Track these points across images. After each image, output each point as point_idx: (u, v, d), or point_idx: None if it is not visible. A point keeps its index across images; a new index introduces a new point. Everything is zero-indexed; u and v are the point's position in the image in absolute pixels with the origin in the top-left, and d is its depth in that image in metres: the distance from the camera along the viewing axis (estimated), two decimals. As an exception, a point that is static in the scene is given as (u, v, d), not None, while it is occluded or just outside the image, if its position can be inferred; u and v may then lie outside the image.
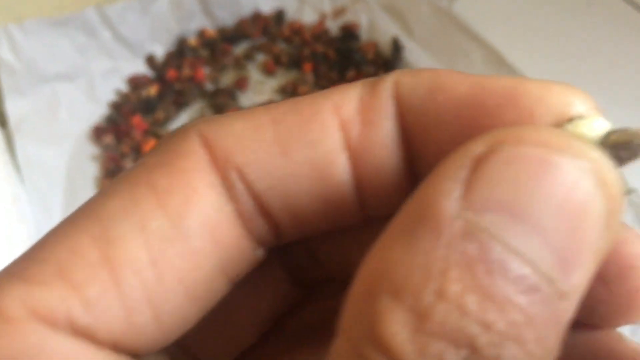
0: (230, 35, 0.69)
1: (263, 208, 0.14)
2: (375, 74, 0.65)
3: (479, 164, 0.11)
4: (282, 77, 0.67)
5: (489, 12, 0.66)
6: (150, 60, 0.66)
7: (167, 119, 0.63)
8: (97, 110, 0.63)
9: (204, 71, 0.67)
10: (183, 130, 0.14)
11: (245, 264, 0.14)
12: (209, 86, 0.66)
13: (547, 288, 0.10)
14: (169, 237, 0.12)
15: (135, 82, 0.65)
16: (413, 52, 0.66)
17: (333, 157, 0.13)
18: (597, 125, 0.12)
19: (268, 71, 0.67)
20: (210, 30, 0.69)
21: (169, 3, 0.66)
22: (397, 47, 0.66)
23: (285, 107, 0.14)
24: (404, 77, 0.14)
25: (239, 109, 0.63)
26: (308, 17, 0.71)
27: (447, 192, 0.11)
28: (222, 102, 0.64)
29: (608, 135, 0.12)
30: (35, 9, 0.63)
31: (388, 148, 0.13)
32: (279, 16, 0.71)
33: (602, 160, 0.11)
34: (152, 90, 0.64)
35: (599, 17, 0.64)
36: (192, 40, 0.68)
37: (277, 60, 0.68)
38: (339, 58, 0.67)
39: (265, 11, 0.71)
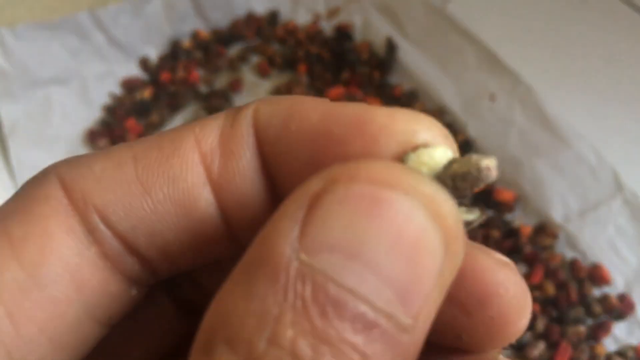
0: (224, 37, 0.69)
1: (130, 248, 0.13)
2: (369, 74, 0.65)
3: (314, 203, 0.11)
4: (276, 79, 0.67)
5: (483, 11, 0.66)
6: (144, 63, 0.66)
7: (162, 121, 0.63)
8: (91, 114, 0.62)
9: (198, 73, 0.66)
10: (42, 173, 0.13)
11: (118, 305, 0.14)
12: (203, 88, 0.66)
13: (386, 323, 0.10)
14: (24, 288, 0.12)
15: (129, 85, 0.65)
16: (407, 52, 0.65)
17: (196, 192, 0.13)
18: (439, 155, 0.13)
19: (262, 73, 0.67)
20: (204, 32, 0.69)
21: (161, 5, 0.66)
22: (391, 47, 0.66)
23: (147, 144, 0.13)
24: (264, 106, 0.14)
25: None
26: (302, 17, 0.71)
27: (285, 233, 0.11)
28: (216, 104, 0.64)
29: (450, 164, 0.13)
30: (28, 13, 0.62)
31: (249, 178, 0.14)
32: (273, 17, 0.70)
33: (434, 193, 0.11)
34: (146, 93, 0.64)
35: (593, 16, 0.64)
36: (186, 42, 0.68)
37: (271, 62, 0.68)
38: (333, 59, 0.67)
39: (259, 12, 0.71)
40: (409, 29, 0.67)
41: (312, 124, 0.13)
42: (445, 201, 0.11)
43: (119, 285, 0.14)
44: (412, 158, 0.13)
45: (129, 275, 0.14)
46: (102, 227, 0.13)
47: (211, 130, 0.14)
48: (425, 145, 0.13)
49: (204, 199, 0.13)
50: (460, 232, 0.11)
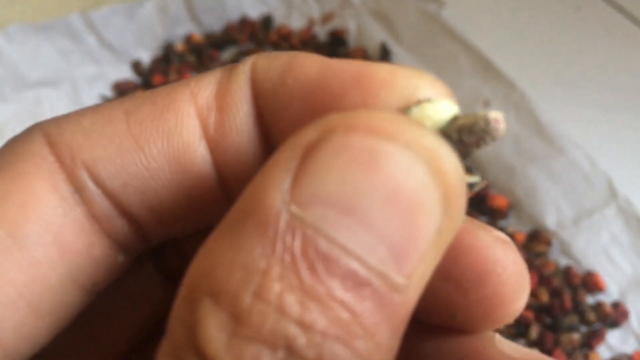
0: (218, 41, 0.69)
1: (121, 208, 0.13)
2: (363, 80, 0.65)
3: (308, 153, 0.10)
4: (269, 83, 0.67)
5: (477, 18, 0.66)
6: (136, 66, 0.66)
7: (153, 125, 0.63)
8: (81, 117, 0.62)
9: (191, 77, 0.66)
10: (28, 130, 0.13)
11: (105, 271, 0.13)
12: (195, 92, 0.65)
13: (378, 282, 0.10)
14: (3, 248, 0.12)
15: (121, 88, 0.64)
16: (401, 58, 0.65)
17: (191, 147, 0.13)
18: (443, 109, 0.12)
19: (255, 77, 0.67)
20: (197, 35, 0.68)
21: (155, 8, 0.66)
22: (385, 53, 0.65)
23: (139, 99, 0.13)
24: (261, 60, 0.13)
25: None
26: (296, 22, 0.70)
27: (276, 184, 0.10)
28: (209, 109, 0.63)
29: (454, 119, 0.12)
30: (18, 14, 0.62)
31: (246, 134, 0.13)
32: (267, 21, 0.70)
33: (438, 147, 0.10)
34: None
35: (587, 23, 0.64)
36: (179, 46, 0.67)
37: (264, 66, 0.67)
38: (327, 64, 0.66)
39: (253, 16, 0.70)
40: (403, 35, 0.67)
41: (309, 77, 0.12)
42: (448, 156, 0.11)
43: (105, 250, 0.13)
44: (415, 112, 0.12)
45: (117, 239, 0.13)
46: (90, 184, 0.12)
47: (207, 84, 0.13)
48: (428, 100, 0.12)
49: (200, 155, 0.13)
50: (462, 191, 0.11)
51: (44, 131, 0.12)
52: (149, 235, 0.14)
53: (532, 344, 0.48)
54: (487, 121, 0.11)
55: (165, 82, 0.64)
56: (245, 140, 0.13)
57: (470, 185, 0.12)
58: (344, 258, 0.10)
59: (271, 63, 0.13)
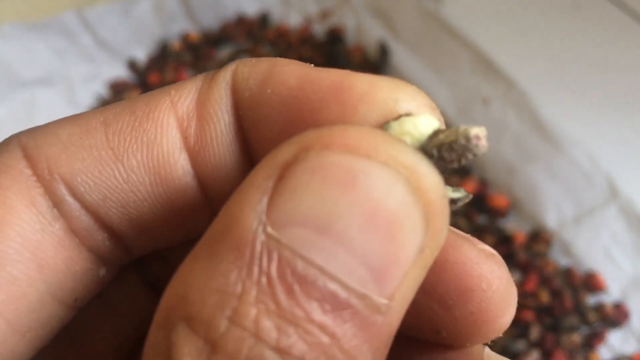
0: (214, 39, 0.68)
1: (101, 221, 0.12)
2: (362, 78, 0.64)
3: (284, 173, 0.10)
4: (267, 82, 0.66)
5: (476, 15, 0.65)
6: (132, 65, 0.65)
7: (150, 124, 0.62)
8: (77, 116, 0.61)
9: (187, 75, 0.65)
10: (3, 143, 0.12)
11: (86, 285, 0.13)
12: (192, 91, 0.65)
13: (359, 304, 0.10)
14: None
15: (117, 87, 0.63)
16: (400, 56, 0.65)
17: (172, 158, 0.12)
18: (423, 123, 0.12)
19: (253, 75, 0.66)
20: (194, 33, 0.68)
21: (150, 6, 0.65)
22: (384, 51, 0.65)
23: (118, 108, 0.12)
24: (242, 67, 0.13)
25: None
26: (293, 19, 0.70)
27: (252, 205, 0.10)
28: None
29: (434, 134, 0.11)
30: (13, 12, 0.61)
31: (227, 144, 0.13)
32: (264, 19, 0.69)
33: (417, 164, 0.10)
34: (134, 95, 0.63)
35: (586, 20, 0.64)
36: (175, 44, 0.67)
37: (262, 64, 0.67)
38: (325, 62, 0.66)
39: (250, 14, 0.70)
40: (402, 33, 0.66)
41: (289, 87, 0.12)
42: (428, 173, 0.10)
43: (86, 264, 0.13)
44: (394, 127, 0.11)
45: (98, 253, 0.13)
46: (69, 198, 0.12)
47: (188, 93, 0.13)
48: (408, 115, 0.12)
49: (181, 166, 0.12)
50: (444, 208, 0.10)
51: (21, 144, 0.12)
52: (132, 248, 0.13)
53: (532, 345, 0.48)
54: (468, 138, 0.11)
55: (162, 81, 0.64)
56: (226, 150, 0.13)
57: (454, 201, 0.12)
58: (322, 280, 0.10)
59: (251, 71, 0.12)
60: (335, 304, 0.10)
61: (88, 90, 0.62)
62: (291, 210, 0.10)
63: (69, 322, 0.13)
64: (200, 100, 0.13)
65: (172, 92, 0.13)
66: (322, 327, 0.10)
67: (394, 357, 0.12)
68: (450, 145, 0.11)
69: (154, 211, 0.13)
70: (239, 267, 0.10)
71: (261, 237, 0.10)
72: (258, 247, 0.10)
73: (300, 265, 0.10)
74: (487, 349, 0.14)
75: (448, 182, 0.11)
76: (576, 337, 0.48)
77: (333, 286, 0.10)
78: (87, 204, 0.12)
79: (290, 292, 0.09)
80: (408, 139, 0.11)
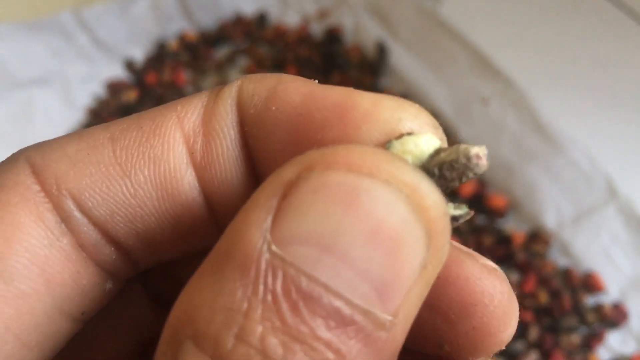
0: (212, 39, 0.68)
1: (108, 236, 0.12)
2: (360, 77, 0.64)
3: (288, 192, 0.10)
4: (265, 81, 0.66)
5: (474, 14, 0.65)
6: (130, 65, 0.65)
7: (147, 124, 0.62)
8: (73, 116, 0.61)
9: (185, 75, 0.65)
10: (11, 158, 0.12)
11: (93, 299, 0.13)
12: (190, 90, 0.65)
13: (363, 320, 0.10)
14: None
15: (114, 87, 0.63)
16: (398, 56, 0.64)
17: (178, 173, 0.12)
18: (425, 142, 0.12)
19: (251, 75, 0.66)
20: (191, 33, 0.68)
21: (148, 6, 0.65)
22: (382, 50, 0.65)
23: (125, 124, 0.12)
24: (248, 83, 0.13)
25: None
26: (291, 19, 0.70)
27: (256, 223, 0.10)
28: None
29: (436, 153, 0.12)
30: (9, 12, 0.61)
31: (233, 160, 0.13)
32: (262, 19, 0.69)
33: (418, 182, 0.10)
34: (132, 95, 0.62)
35: (585, 20, 0.64)
36: (173, 44, 0.66)
37: (260, 64, 0.66)
38: (323, 62, 0.66)
39: (248, 13, 0.69)
40: (400, 32, 0.66)
41: (293, 106, 0.12)
42: (430, 192, 0.10)
43: (93, 279, 0.13)
44: (396, 146, 0.12)
45: (105, 267, 0.13)
46: (77, 214, 0.12)
47: (194, 109, 0.13)
48: (410, 133, 0.12)
49: (187, 181, 0.13)
50: (445, 226, 0.11)
51: (29, 160, 0.12)
52: (138, 262, 0.13)
53: (531, 345, 0.48)
54: (468, 157, 0.11)
55: (159, 80, 0.64)
56: (232, 166, 0.13)
57: (456, 218, 0.12)
58: (326, 297, 0.10)
59: (256, 87, 0.13)
60: (340, 321, 0.10)
61: (85, 90, 0.62)
62: (295, 228, 0.10)
63: (74, 335, 0.13)
64: (206, 116, 0.13)
65: (179, 107, 0.13)
66: (328, 344, 0.10)
67: None
68: (451, 164, 0.11)
69: (161, 226, 0.13)
70: (244, 285, 0.10)
71: (266, 256, 0.10)
72: (263, 265, 0.10)
73: (304, 283, 0.10)
74: None
75: (450, 200, 0.12)
76: (575, 338, 0.48)
77: (337, 303, 0.10)
78: (95, 219, 0.12)
79: (295, 309, 0.10)
80: (410, 158, 0.12)
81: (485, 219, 0.55)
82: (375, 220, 0.10)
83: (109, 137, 0.12)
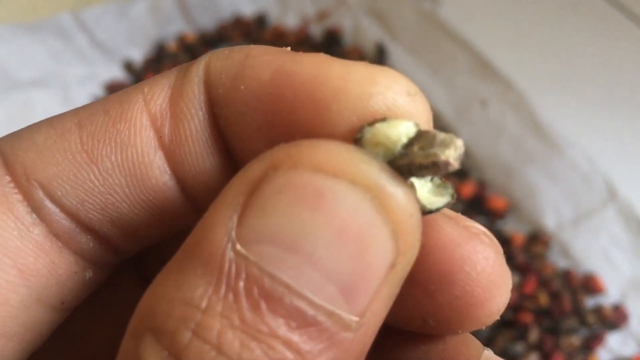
0: (211, 40, 0.68)
1: (82, 224, 0.12)
2: (359, 79, 0.64)
3: (253, 191, 0.10)
4: (264, 83, 0.66)
5: (474, 16, 0.65)
6: (128, 66, 0.65)
7: (146, 126, 0.62)
8: (72, 118, 0.61)
9: (184, 77, 0.65)
10: None
11: (73, 288, 0.13)
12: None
13: (327, 321, 0.10)
14: None
15: (113, 88, 0.63)
16: (398, 57, 0.64)
17: (147, 158, 0.12)
18: (397, 133, 0.11)
19: (250, 76, 0.66)
20: (190, 34, 0.67)
21: (147, 7, 0.65)
22: (381, 52, 0.65)
23: (93, 108, 0.12)
24: (214, 60, 0.12)
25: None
26: (290, 20, 0.70)
27: (222, 222, 0.10)
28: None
29: (410, 143, 0.11)
30: (8, 14, 0.60)
31: (202, 141, 0.12)
32: (261, 20, 0.69)
33: (385, 185, 0.10)
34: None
35: (586, 22, 0.64)
36: (172, 45, 0.66)
37: (259, 66, 0.66)
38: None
39: (247, 15, 0.69)
40: (399, 34, 0.66)
41: (262, 84, 0.12)
42: (396, 193, 0.10)
43: (70, 267, 0.13)
44: (367, 136, 0.11)
45: (83, 256, 0.13)
46: (48, 203, 0.12)
47: (161, 90, 0.12)
48: (382, 120, 0.11)
49: (157, 166, 0.12)
50: (414, 225, 0.10)
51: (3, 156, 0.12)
52: (119, 249, 0.13)
53: (531, 347, 0.48)
54: (436, 163, 0.11)
55: (158, 82, 0.64)
56: (202, 148, 0.12)
57: (434, 210, 0.11)
58: (288, 297, 0.10)
59: (224, 65, 0.12)
60: (302, 321, 0.10)
61: (84, 91, 0.62)
62: (260, 228, 0.10)
63: (63, 325, 0.13)
64: (174, 97, 0.12)
65: (146, 89, 0.12)
66: (287, 343, 0.10)
67: (387, 351, 0.12)
68: (420, 166, 0.11)
69: (134, 212, 0.12)
70: (206, 282, 0.10)
71: (230, 254, 0.10)
72: (226, 264, 0.10)
73: (267, 282, 0.10)
74: (486, 351, 0.14)
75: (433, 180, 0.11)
76: (575, 340, 0.48)
77: (300, 303, 0.10)
78: (66, 208, 0.12)
79: (256, 308, 0.10)
80: (381, 151, 0.11)
81: (485, 220, 0.55)
82: (340, 222, 0.10)
83: (77, 123, 0.12)
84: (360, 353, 0.10)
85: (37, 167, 0.12)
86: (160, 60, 0.65)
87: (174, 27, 0.67)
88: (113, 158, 0.12)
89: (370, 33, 0.67)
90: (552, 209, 0.54)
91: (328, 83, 0.11)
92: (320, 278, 0.10)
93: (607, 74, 0.60)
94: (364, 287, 0.10)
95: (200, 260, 0.10)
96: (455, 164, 0.11)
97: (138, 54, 0.65)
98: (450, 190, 0.11)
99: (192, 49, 0.66)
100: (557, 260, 0.52)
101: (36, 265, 0.12)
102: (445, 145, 0.11)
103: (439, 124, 0.60)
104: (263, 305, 0.10)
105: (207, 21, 0.68)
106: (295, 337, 0.10)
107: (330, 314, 0.10)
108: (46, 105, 0.60)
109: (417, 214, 0.11)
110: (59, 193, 0.12)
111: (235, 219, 0.10)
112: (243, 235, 0.10)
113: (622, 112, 0.58)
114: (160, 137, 0.12)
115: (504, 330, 0.48)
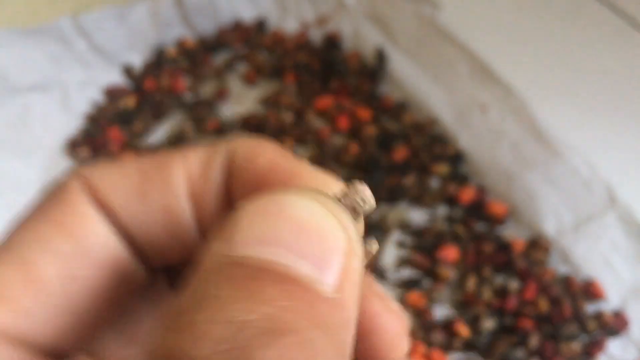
0: (210, 45, 0.68)
1: (133, 241, 0.16)
2: (358, 84, 0.64)
3: (238, 214, 0.13)
4: (263, 88, 0.66)
5: (474, 21, 0.65)
6: (128, 71, 0.64)
7: (146, 130, 0.61)
8: (71, 122, 0.61)
9: (184, 82, 0.65)
10: (71, 176, 0.16)
11: (127, 287, 0.16)
12: (188, 97, 0.64)
13: (308, 284, 0.12)
14: (70, 254, 0.15)
15: (113, 93, 0.63)
16: (398, 62, 0.64)
17: (180, 204, 0.16)
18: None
19: (249, 81, 0.66)
20: (190, 39, 0.67)
21: (146, 12, 0.65)
22: (381, 57, 0.65)
23: (149, 159, 0.16)
24: (238, 143, 0.16)
25: (220, 120, 0.62)
26: (290, 25, 0.70)
27: (217, 241, 0.13)
28: (202, 114, 0.62)
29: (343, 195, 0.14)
30: (7, 18, 0.60)
31: (217, 196, 0.16)
32: (261, 25, 0.69)
33: (334, 202, 0.13)
34: (130, 102, 0.62)
35: (585, 27, 0.64)
36: (171, 50, 0.66)
37: (258, 71, 0.66)
38: (321, 68, 0.65)
39: (246, 19, 0.69)
40: (399, 39, 0.66)
41: (261, 169, 0.16)
42: (340, 209, 0.13)
43: (128, 269, 0.16)
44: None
45: (135, 262, 0.16)
46: (114, 221, 0.16)
47: (197, 155, 0.16)
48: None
49: (186, 211, 0.16)
50: (355, 231, 0.13)
51: (84, 176, 0.16)
52: (153, 262, 0.17)
53: (532, 354, 0.48)
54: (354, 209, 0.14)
55: (157, 87, 0.63)
56: (216, 200, 0.16)
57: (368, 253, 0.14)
58: (274, 266, 0.12)
59: (241, 148, 0.16)
60: (287, 283, 0.12)
61: (83, 96, 0.62)
62: (244, 239, 0.12)
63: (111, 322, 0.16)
64: (204, 164, 0.16)
65: (186, 151, 0.16)
66: (273, 301, 0.12)
67: None
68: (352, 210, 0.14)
69: (167, 241, 0.16)
70: (195, 282, 0.12)
71: (222, 259, 0.12)
72: (224, 263, 0.12)
73: (252, 262, 0.12)
74: None
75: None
76: (575, 346, 0.48)
77: (283, 269, 0.12)
78: (124, 227, 0.16)
79: (243, 287, 0.12)
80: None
81: (485, 226, 0.55)
82: (301, 220, 0.13)
83: (137, 168, 0.16)
84: (343, 324, 0.12)
85: (111, 196, 0.16)
86: (160, 65, 0.65)
87: (174, 32, 0.67)
88: (156, 199, 0.16)
89: (370, 38, 0.67)
90: (552, 214, 0.54)
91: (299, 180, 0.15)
92: (297, 258, 0.12)
93: (607, 79, 0.60)
94: (333, 261, 0.12)
95: (195, 273, 0.12)
96: (373, 202, 0.14)
97: (138, 59, 0.65)
98: (375, 244, 0.14)
99: (191, 53, 0.66)
100: (557, 266, 0.52)
101: (107, 265, 0.15)
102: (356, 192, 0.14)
103: (439, 129, 0.60)
104: (250, 281, 0.12)
105: (207, 26, 0.68)
106: (281, 296, 0.12)
107: (310, 279, 0.12)
108: (45, 109, 0.60)
109: (355, 229, 0.13)
110: (125, 219, 0.16)
111: (227, 237, 0.13)
112: (232, 247, 0.12)
113: (623, 118, 0.58)
114: (192, 189, 0.16)
115: (504, 336, 0.48)
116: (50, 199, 0.15)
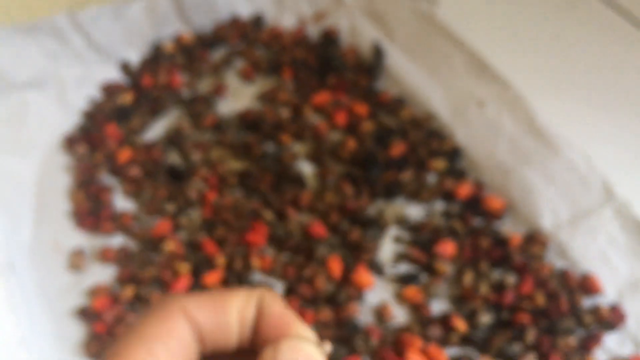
0: (208, 41, 0.67)
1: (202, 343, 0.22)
2: (356, 79, 0.64)
3: (280, 347, 0.20)
4: (261, 84, 0.66)
5: (471, 16, 0.65)
6: (125, 67, 0.64)
7: (143, 127, 0.61)
8: (68, 119, 0.61)
9: (181, 78, 0.65)
10: (169, 300, 0.22)
11: None
12: (185, 93, 0.64)
13: None
14: (176, 350, 0.21)
15: (110, 90, 0.63)
16: (395, 58, 0.64)
17: (232, 323, 0.22)
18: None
19: (246, 77, 0.66)
20: (187, 35, 0.67)
21: (143, 8, 0.65)
22: (378, 52, 0.65)
23: (218, 293, 0.22)
24: (264, 293, 0.22)
25: (216, 116, 0.62)
26: (287, 21, 0.70)
27: None
28: (199, 110, 0.62)
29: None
30: (3, 14, 0.60)
31: (252, 323, 0.22)
32: (258, 21, 0.69)
33: (316, 345, 0.21)
34: (127, 98, 0.62)
35: (582, 23, 0.64)
36: (168, 46, 0.66)
37: (256, 66, 0.66)
38: (319, 64, 0.65)
39: (244, 15, 0.69)
40: (396, 35, 0.66)
41: (271, 317, 0.22)
42: (319, 351, 0.21)
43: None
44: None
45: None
46: (195, 329, 0.22)
47: (242, 296, 0.22)
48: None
49: (234, 327, 0.22)
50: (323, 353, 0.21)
51: (178, 301, 0.21)
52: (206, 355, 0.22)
53: (529, 348, 0.48)
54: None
55: (154, 83, 0.63)
56: (251, 323, 0.22)
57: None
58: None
59: (265, 298, 0.22)
60: None
61: (80, 92, 0.62)
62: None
63: None
64: (213, 316, 0.22)
65: (184, 300, 0.22)
66: None
67: None
68: None
69: (221, 345, 0.22)
70: None
71: None
72: None
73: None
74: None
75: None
76: (572, 340, 0.48)
77: None
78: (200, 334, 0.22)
79: None
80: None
81: (482, 221, 0.55)
82: (310, 354, 0.20)
83: (209, 298, 0.22)
84: None
85: (198, 318, 0.22)
86: (157, 62, 0.65)
87: (171, 28, 0.67)
88: (222, 318, 0.22)
89: (367, 34, 0.67)
90: (549, 209, 0.54)
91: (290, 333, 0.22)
92: None
93: (604, 75, 0.60)
94: None
95: None
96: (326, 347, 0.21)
97: (134, 55, 0.65)
98: (329, 346, 0.21)
99: (188, 50, 0.66)
100: (554, 261, 0.52)
101: (190, 356, 0.21)
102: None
103: (436, 124, 0.60)
104: None
105: (204, 22, 0.68)
106: None
107: None
108: (42, 106, 0.60)
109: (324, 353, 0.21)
110: (203, 336, 0.22)
111: None
112: None
113: (620, 113, 0.58)
114: (200, 335, 0.21)
115: (501, 330, 0.48)
116: (157, 314, 0.21)
